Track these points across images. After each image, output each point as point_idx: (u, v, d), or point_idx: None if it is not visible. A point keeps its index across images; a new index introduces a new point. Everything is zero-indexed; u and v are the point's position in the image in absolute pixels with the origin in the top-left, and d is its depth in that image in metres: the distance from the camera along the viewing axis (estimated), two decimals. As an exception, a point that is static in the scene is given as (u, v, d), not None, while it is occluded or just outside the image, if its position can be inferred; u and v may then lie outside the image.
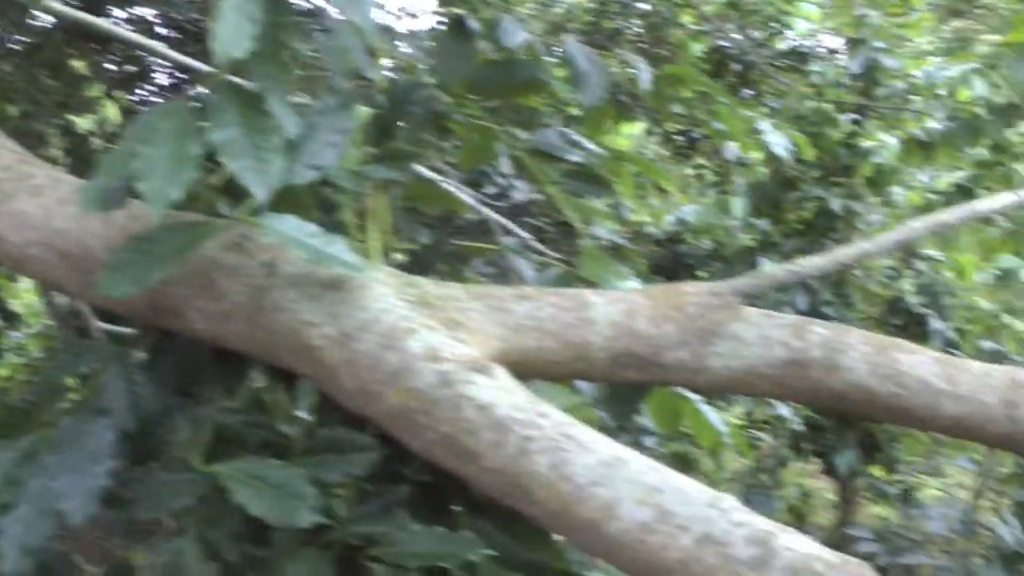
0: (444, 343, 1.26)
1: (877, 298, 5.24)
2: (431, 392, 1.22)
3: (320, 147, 1.38)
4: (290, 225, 1.31)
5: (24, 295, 10.63)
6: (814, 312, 4.37)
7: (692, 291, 1.49)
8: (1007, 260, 4.99)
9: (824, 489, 6.46)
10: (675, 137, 5.36)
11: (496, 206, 2.31)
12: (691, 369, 1.46)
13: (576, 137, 1.78)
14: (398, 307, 1.31)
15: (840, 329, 1.57)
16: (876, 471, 5.69)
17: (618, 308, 1.44)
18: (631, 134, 5.36)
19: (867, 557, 4.73)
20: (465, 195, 2.05)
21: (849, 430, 5.17)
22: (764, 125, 3.26)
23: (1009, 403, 1.55)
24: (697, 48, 5.49)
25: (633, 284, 1.75)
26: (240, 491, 1.34)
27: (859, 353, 1.55)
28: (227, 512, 1.49)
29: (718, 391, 1.68)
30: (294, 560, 1.39)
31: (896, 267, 5.28)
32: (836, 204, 4.42)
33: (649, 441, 3.85)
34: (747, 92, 5.37)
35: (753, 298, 1.56)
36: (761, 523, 1.09)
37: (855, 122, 4.78)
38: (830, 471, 5.41)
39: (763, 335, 1.48)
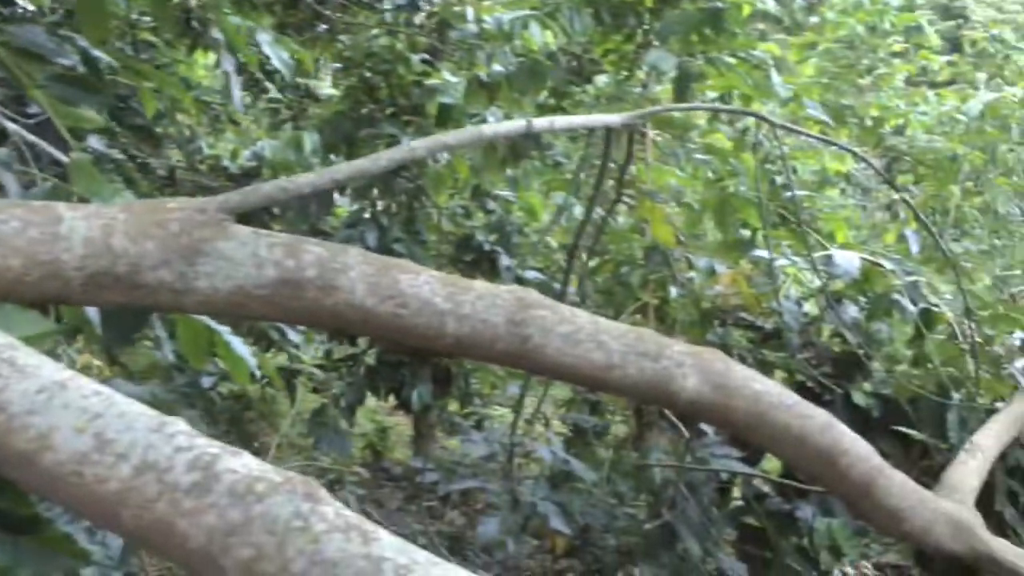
0: None
1: (449, 235, 5.45)
2: None
3: None
4: None
5: None
6: (385, 250, 4.46)
7: (176, 207, 1.43)
8: (559, 198, 5.39)
9: (403, 425, 6.69)
10: (249, 69, 5.21)
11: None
12: (176, 290, 1.40)
13: (74, 37, 1.64)
14: None
15: (337, 249, 1.58)
16: (452, 404, 5.98)
17: (94, 223, 1.35)
18: (206, 64, 5.14)
19: (429, 487, 4.98)
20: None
21: (424, 366, 5.34)
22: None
23: (515, 322, 1.64)
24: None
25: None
26: None
27: (358, 273, 1.56)
28: None
29: (208, 313, 1.63)
30: None
31: (468, 206, 5.53)
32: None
33: (207, 381, 3.77)
34: (322, 27, 5.33)
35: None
36: (206, 446, 1.04)
37: (426, 62, 4.91)
38: (406, 406, 5.57)
39: (253, 254, 1.46)
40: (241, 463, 1.02)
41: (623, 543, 3.95)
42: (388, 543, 0.94)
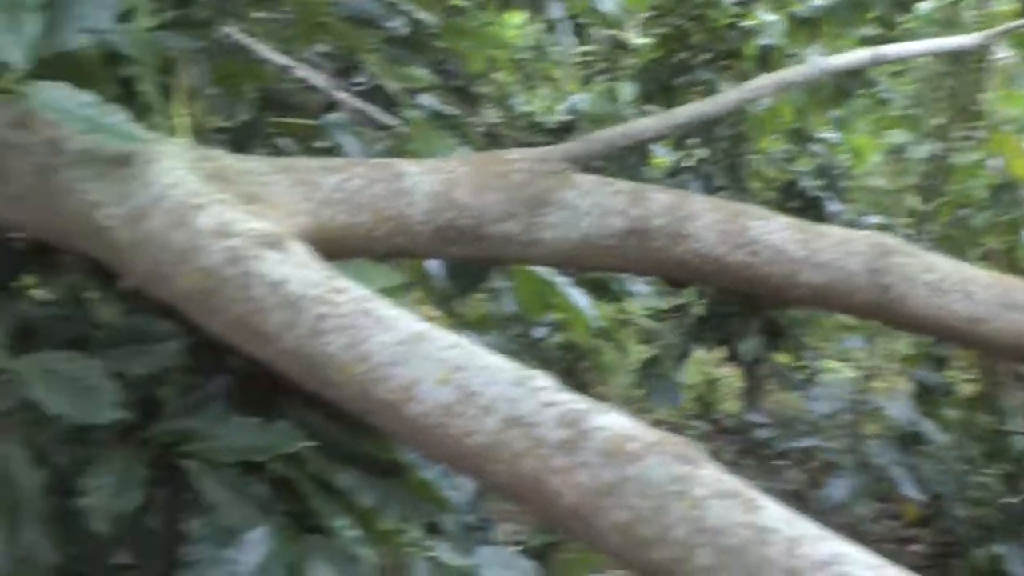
0: (236, 218, 1.15)
1: (773, 182, 5.22)
2: (220, 271, 1.12)
3: (90, 7, 1.24)
4: (61, 94, 1.19)
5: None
6: (708, 198, 4.32)
7: (517, 157, 1.40)
8: (898, 135, 4.99)
9: (732, 377, 6.53)
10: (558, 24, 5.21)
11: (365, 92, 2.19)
12: (521, 242, 1.38)
13: (397, 2, 1.66)
14: (188, 182, 1.20)
15: (682, 195, 1.50)
16: (782, 357, 5.75)
17: (436, 178, 1.35)
18: (516, 24, 5.20)
19: (765, 442, 4.81)
20: (318, 78, 1.93)
21: (753, 317, 5.18)
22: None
23: (875, 270, 1.51)
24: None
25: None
26: (36, 387, 1.24)
27: (706, 220, 1.48)
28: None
29: (553, 264, 1.60)
30: (107, 461, 1.30)
31: (791, 151, 5.26)
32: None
33: (540, 332, 3.81)
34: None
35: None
36: (574, 402, 1.00)
37: (740, 3, 4.69)
38: (735, 358, 5.44)
39: (598, 203, 1.41)
40: (610, 420, 0.97)
41: (978, 515, 3.61)
42: (773, 512, 0.85)
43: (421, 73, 1.73)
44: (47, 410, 1.22)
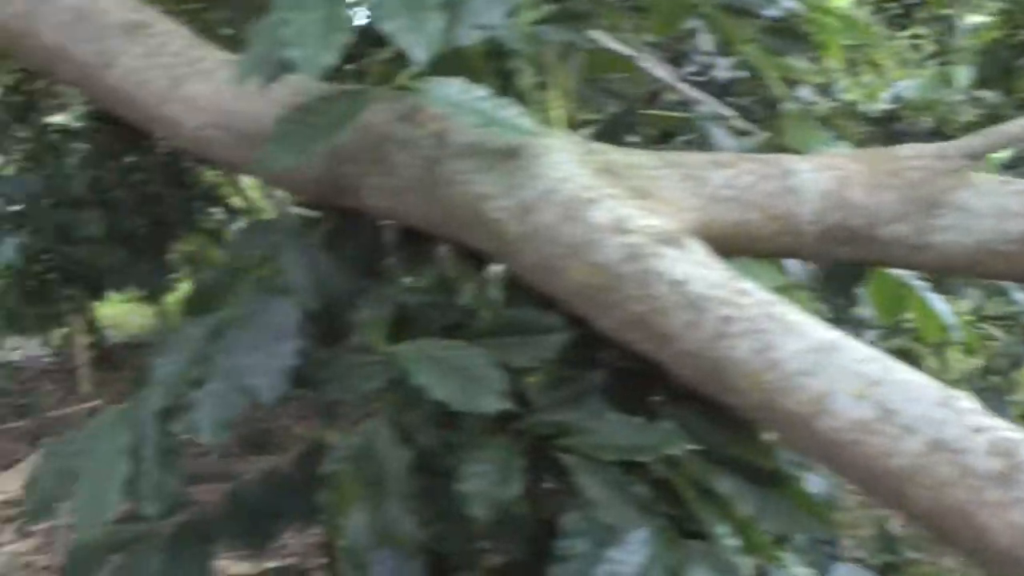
0: (631, 214, 1.14)
1: None
2: (617, 267, 1.11)
3: (484, 4, 1.26)
4: (455, 89, 1.22)
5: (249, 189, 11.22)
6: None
7: (912, 154, 1.30)
8: None
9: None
10: (887, 4, 4.90)
11: (697, 83, 2.14)
12: (911, 245, 1.28)
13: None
14: (579, 176, 1.20)
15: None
16: None
17: (827, 176, 1.27)
18: (840, 5, 4.94)
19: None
20: (658, 68, 1.90)
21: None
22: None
23: None
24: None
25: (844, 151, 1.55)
26: (421, 373, 1.28)
27: None
28: (419, 396, 1.46)
29: (942, 271, 1.48)
30: (482, 448, 1.33)
31: None
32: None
33: (868, 335, 3.60)
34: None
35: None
36: (1004, 429, 0.91)
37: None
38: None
39: (998, 204, 1.28)
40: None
41: None
42: None
43: (798, 63, 1.66)
44: (430, 395, 1.25)
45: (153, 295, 8.65)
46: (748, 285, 1.06)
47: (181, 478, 1.39)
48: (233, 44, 1.58)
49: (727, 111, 1.77)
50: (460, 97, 1.24)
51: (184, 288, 10.66)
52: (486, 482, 1.27)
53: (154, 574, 1.55)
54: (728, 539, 1.17)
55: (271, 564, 3.51)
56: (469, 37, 1.28)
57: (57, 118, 9.14)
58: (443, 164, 1.33)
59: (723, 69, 2.78)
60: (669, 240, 1.09)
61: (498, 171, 1.27)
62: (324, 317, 1.51)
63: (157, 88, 1.55)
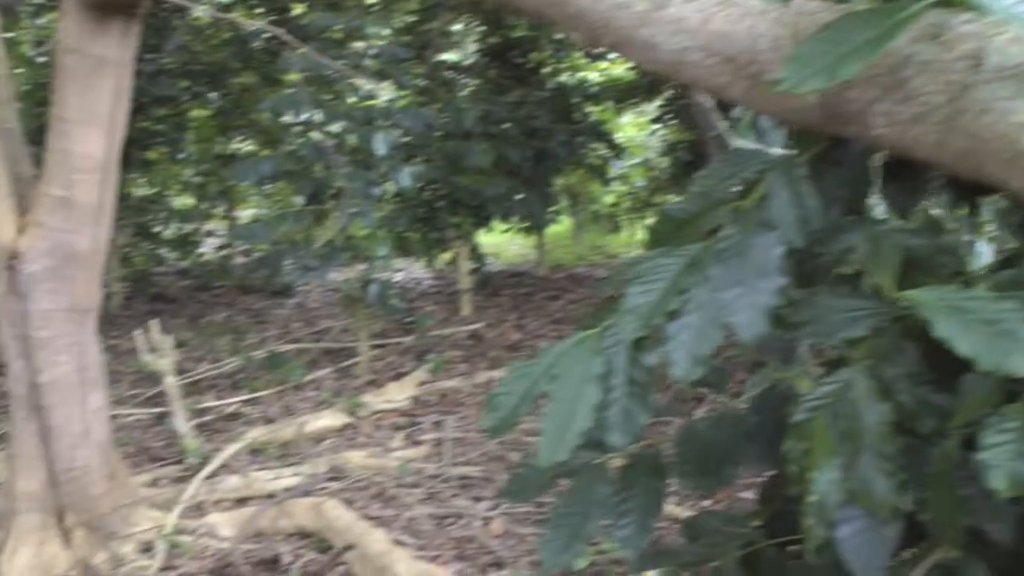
0: None
1: None
2: None
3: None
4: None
5: (628, 129, 11.43)
6: None
7: None
8: None
9: None
10: None
11: None
12: None
13: None
14: None
15: None
16: None
17: None
18: None
19: None
20: None
21: None
22: None
23: None
24: None
25: None
26: (943, 323, 1.15)
27: None
28: (902, 348, 1.33)
29: None
30: (990, 415, 1.18)
31: None
32: None
33: None
34: None
35: None
36: None
37: None
38: None
39: None
40: None
41: None
42: None
43: None
44: (955, 349, 1.12)
45: (535, 226, 9.07)
46: None
47: (649, 411, 1.36)
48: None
49: None
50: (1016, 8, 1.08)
51: (563, 222, 11.06)
52: (1009, 454, 1.12)
53: (602, 503, 1.55)
54: None
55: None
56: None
57: (449, 55, 9.73)
58: (975, 90, 1.17)
59: None
60: None
61: (1051, 99, 1.09)
62: (803, 255, 1.42)
63: (637, 10, 1.50)
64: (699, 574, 1.63)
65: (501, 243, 11.22)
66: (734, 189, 1.47)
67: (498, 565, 3.61)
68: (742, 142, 1.69)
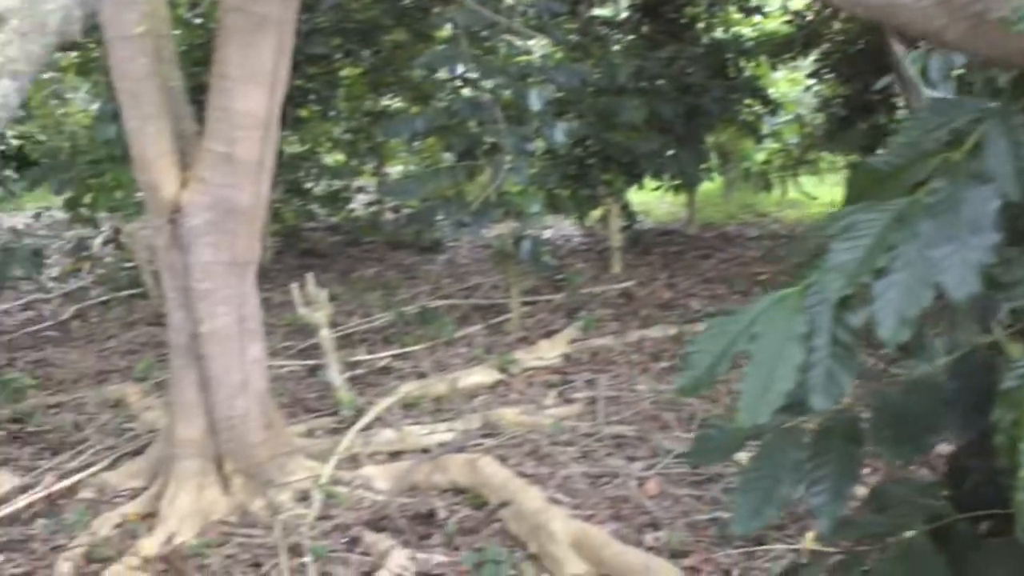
0: None
1: None
2: None
3: None
4: None
5: (782, 84, 11.09)
6: None
7: None
8: None
9: None
10: None
11: None
12: None
13: None
14: None
15: None
16: None
17: None
18: None
19: None
20: None
21: None
22: None
23: None
24: None
25: None
26: None
27: None
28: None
29: None
30: None
31: None
32: None
33: None
34: None
35: None
36: None
37: None
38: None
39: None
40: None
41: None
42: None
43: None
44: None
45: (687, 183, 8.91)
46: None
47: (853, 373, 1.29)
48: None
49: None
50: None
51: (714, 179, 10.81)
52: None
53: (795, 468, 1.50)
54: None
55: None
56: None
57: (603, 11, 9.58)
58: None
59: None
60: None
61: None
62: (1018, 209, 1.32)
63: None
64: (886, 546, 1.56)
65: (651, 201, 11.07)
66: (942, 140, 1.37)
67: (654, 526, 3.58)
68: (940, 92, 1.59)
